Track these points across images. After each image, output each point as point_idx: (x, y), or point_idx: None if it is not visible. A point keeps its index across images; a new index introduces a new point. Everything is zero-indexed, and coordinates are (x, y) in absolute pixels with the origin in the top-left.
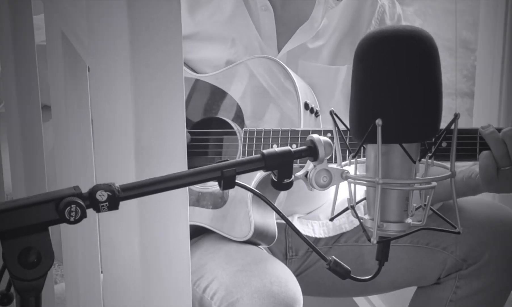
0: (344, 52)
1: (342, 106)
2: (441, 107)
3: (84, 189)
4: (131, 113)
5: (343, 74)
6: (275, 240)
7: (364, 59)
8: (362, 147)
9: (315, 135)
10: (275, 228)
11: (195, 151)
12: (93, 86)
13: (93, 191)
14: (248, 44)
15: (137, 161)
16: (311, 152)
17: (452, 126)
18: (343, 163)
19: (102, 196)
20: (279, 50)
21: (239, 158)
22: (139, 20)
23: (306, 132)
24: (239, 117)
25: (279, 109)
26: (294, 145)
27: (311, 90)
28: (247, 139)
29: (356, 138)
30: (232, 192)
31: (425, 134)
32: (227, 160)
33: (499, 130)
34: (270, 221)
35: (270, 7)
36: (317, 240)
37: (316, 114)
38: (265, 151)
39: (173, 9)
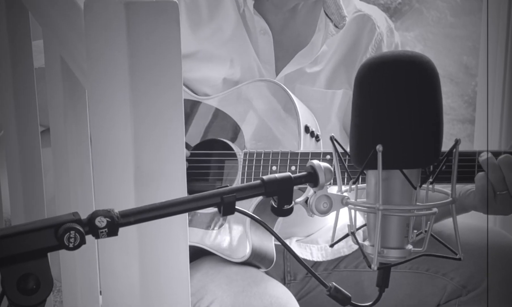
0: (340, 77)
1: (338, 130)
2: (442, 133)
3: (83, 215)
4: (131, 139)
5: (339, 98)
6: (274, 263)
7: (364, 84)
8: (362, 173)
9: (315, 161)
10: (273, 251)
11: (195, 172)
12: (92, 111)
13: (92, 217)
14: (246, 66)
15: (136, 187)
16: (311, 178)
17: (453, 152)
18: (343, 189)
19: (101, 222)
20: (277, 73)
21: (239, 179)
22: (138, 44)
23: (306, 155)
24: (239, 139)
25: (279, 132)
26: (293, 168)
27: (313, 115)
28: (247, 161)
29: (357, 164)
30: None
31: (426, 161)
32: (227, 186)
33: (497, 155)
34: (268, 244)
35: (269, 31)
36: (317, 264)
37: (317, 138)
38: (265, 177)
39: (173, 33)
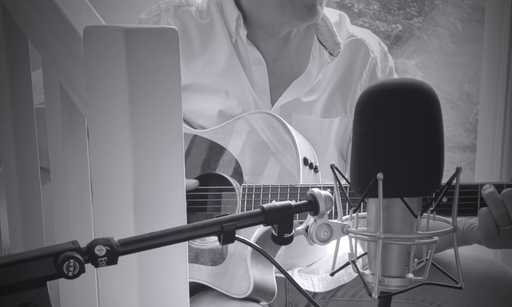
0: (336, 104)
1: (336, 158)
2: (443, 161)
3: (83, 243)
4: (130, 167)
5: (336, 125)
6: (275, 296)
7: (364, 112)
8: (363, 202)
9: (316, 189)
10: (274, 284)
11: (193, 208)
12: (92, 139)
13: (92, 245)
14: (241, 97)
15: (136, 215)
16: (312, 206)
17: (454, 181)
18: (343, 217)
19: (100, 250)
20: (272, 103)
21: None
22: (138, 72)
23: (305, 188)
24: (238, 173)
25: (278, 165)
26: (293, 202)
27: (311, 146)
28: (246, 195)
29: (357, 192)
30: (231, 249)
31: (427, 189)
32: (227, 214)
33: (500, 187)
34: (270, 277)
35: (263, 61)
36: (314, 294)
37: (315, 169)
38: (265, 205)
39: (173, 60)
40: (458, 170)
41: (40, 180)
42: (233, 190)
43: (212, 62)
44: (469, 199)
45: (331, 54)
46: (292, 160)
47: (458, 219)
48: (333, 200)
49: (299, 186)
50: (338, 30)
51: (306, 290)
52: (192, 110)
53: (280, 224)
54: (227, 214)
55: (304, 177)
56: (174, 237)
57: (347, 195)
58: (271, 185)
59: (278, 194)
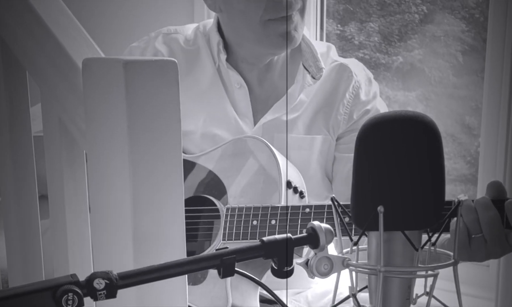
0: (319, 123)
1: (320, 177)
2: (444, 195)
3: (82, 277)
4: (129, 200)
5: (319, 143)
6: None
7: (364, 144)
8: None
9: (316, 222)
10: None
11: None
12: (91, 172)
13: (91, 278)
14: (223, 118)
15: (135, 248)
16: (312, 239)
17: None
18: (344, 250)
19: (99, 284)
20: (255, 124)
21: (221, 234)
22: (137, 104)
23: (284, 208)
24: (223, 195)
25: (262, 187)
26: (273, 221)
27: (299, 173)
28: (229, 216)
29: (357, 225)
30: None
31: (427, 222)
32: (226, 248)
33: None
34: (252, 301)
35: (245, 84)
36: None
37: (301, 195)
38: (265, 238)
39: (172, 92)
40: (459, 203)
41: (38, 212)
42: (217, 211)
43: (195, 84)
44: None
45: (313, 77)
46: (276, 182)
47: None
48: (334, 233)
49: (279, 206)
50: (324, 58)
51: None
52: None
53: (280, 257)
54: (226, 247)
55: (288, 200)
56: (173, 271)
57: (348, 229)
58: (253, 206)
59: (259, 215)
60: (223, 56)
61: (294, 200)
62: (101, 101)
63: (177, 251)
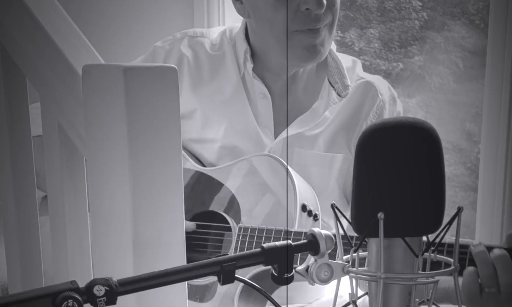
0: (340, 141)
1: (337, 196)
2: (444, 201)
3: (82, 283)
4: (129, 206)
5: (339, 162)
6: None
7: (365, 150)
8: (363, 241)
9: (316, 229)
10: None
11: (190, 243)
12: (91, 179)
13: (91, 285)
14: (244, 129)
15: (135, 255)
16: (312, 246)
17: (456, 220)
18: (344, 257)
19: (99, 290)
20: (275, 136)
21: (232, 253)
22: (137, 110)
23: (299, 234)
24: (236, 212)
25: (277, 208)
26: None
27: (313, 192)
28: (241, 236)
29: (358, 232)
30: (220, 288)
31: (428, 229)
32: (226, 254)
33: (490, 248)
34: None
35: (268, 95)
36: None
37: (315, 217)
38: (265, 245)
39: (172, 99)
40: (459, 210)
41: (38, 217)
42: (230, 229)
43: (218, 91)
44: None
45: (339, 95)
46: (290, 205)
47: (444, 278)
48: (334, 239)
49: (293, 231)
50: (350, 74)
51: None
52: (194, 139)
53: (280, 263)
54: (226, 254)
55: (301, 224)
56: (173, 277)
57: (348, 235)
58: (266, 228)
59: (272, 238)
60: (250, 65)
61: (308, 224)
62: (101, 107)
63: (177, 258)
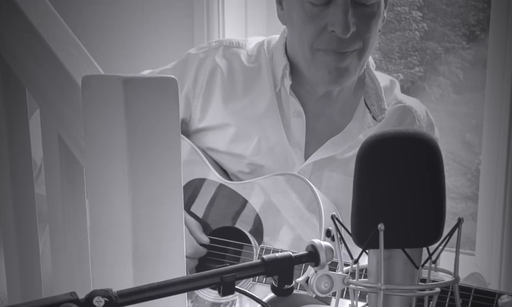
0: None
1: None
2: (445, 212)
3: (81, 295)
4: (129, 218)
5: None
6: None
7: (366, 161)
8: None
9: (316, 240)
10: None
11: (210, 259)
12: (90, 190)
13: (90, 296)
14: (273, 147)
15: (135, 266)
16: (312, 257)
17: (456, 232)
18: (345, 268)
19: (99, 302)
20: (305, 157)
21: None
22: (137, 121)
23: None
24: (258, 232)
25: (300, 231)
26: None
27: (338, 213)
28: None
29: (358, 243)
30: None
31: (428, 240)
32: (226, 265)
33: None
34: None
35: (303, 114)
36: None
37: (339, 241)
38: (265, 256)
39: (172, 110)
40: (459, 221)
41: (38, 231)
42: (252, 249)
43: (251, 106)
44: (484, 306)
45: (374, 119)
46: (315, 229)
47: None
48: (334, 251)
49: None
50: (387, 95)
51: None
52: (221, 151)
53: (281, 275)
54: (226, 265)
55: None
56: (173, 289)
57: (348, 247)
58: (288, 251)
59: None
60: (288, 82)
61: None
62: (100, 118)
63: (177, 269)
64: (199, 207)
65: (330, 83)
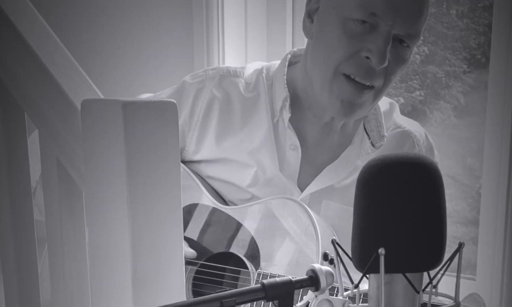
0: None
1: None
2: (446, 236)
3: None
4: (128, 242)
5: None
6: None
7: (367, 185)
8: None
9: (317, 265)
10: None
11: (206, 285)
12: (89, 214)
13: None
14: (270, 178)
15: (134, 290)
16: (312, 282)
17: (457, 256)
18: (345, 293)
19: None
20: (300, 187)
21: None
22: (136, 146)
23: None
24: (255, 257)
25: (297, 256)
26: (305, 297)
27: (337, 237)
28: (259, 282)
29: (359, 267)
30: None
31: (429, 265)
32: (226, 289)
33: None
34: None
35: (299, 147)
36: None
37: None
38: (265, 281)
39: (172, 134)
40: (460, 245)
41: (37, 255)
42: (249, 274)
43: (248, 138)
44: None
45: (373, 146)
46: (312, 253)
47: None
48: (334, 275)
49: None
50: (386, 119)
51: None
52: (222, 180)
53: (281, 299)
54: (226, 289)
55: None
56: None
57: (348, 272)
58: (285, 276)
59: None
60: (287, 115)
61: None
62: (99, 142)
63: (176, 293)
64: (193, 231)
65: (339, 113)
